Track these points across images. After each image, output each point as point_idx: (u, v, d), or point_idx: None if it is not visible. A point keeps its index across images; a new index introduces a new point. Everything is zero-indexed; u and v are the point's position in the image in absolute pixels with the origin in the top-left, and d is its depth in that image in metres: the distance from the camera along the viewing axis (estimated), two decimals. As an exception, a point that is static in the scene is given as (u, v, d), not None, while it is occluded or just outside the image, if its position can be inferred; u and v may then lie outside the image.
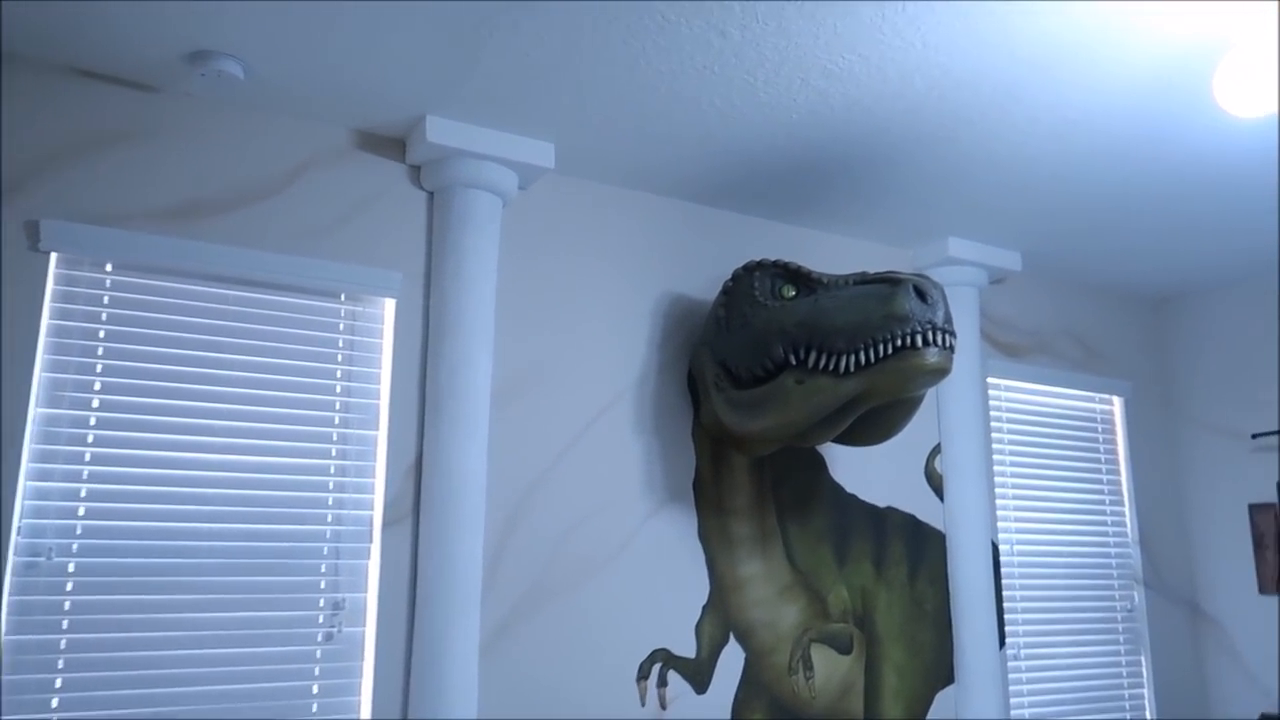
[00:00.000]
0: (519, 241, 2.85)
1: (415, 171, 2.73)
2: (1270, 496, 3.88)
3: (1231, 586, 3.97)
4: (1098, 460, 4.03)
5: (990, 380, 3.76)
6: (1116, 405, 4.16)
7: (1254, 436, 3.86)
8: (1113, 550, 3.96)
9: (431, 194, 2.74)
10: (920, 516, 3.42)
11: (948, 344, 2.42)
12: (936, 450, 3.51)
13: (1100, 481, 4.02)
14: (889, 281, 2.47)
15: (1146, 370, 4.27)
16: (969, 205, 3.22)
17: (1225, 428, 4.06)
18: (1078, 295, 4.14)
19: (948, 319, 2.43)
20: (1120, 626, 3.91)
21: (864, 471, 3.33)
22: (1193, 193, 3.11)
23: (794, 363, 2.55)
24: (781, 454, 3.16)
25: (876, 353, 2.41)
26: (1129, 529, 4.03)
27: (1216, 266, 3.86)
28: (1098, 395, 4.10)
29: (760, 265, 2.77)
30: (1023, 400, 3.87)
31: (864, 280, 2.56)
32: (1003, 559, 3.62)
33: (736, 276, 2.82)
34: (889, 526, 3.34)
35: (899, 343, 2.39)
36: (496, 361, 2.75)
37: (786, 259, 3.13)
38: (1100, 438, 4.07)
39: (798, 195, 3.12)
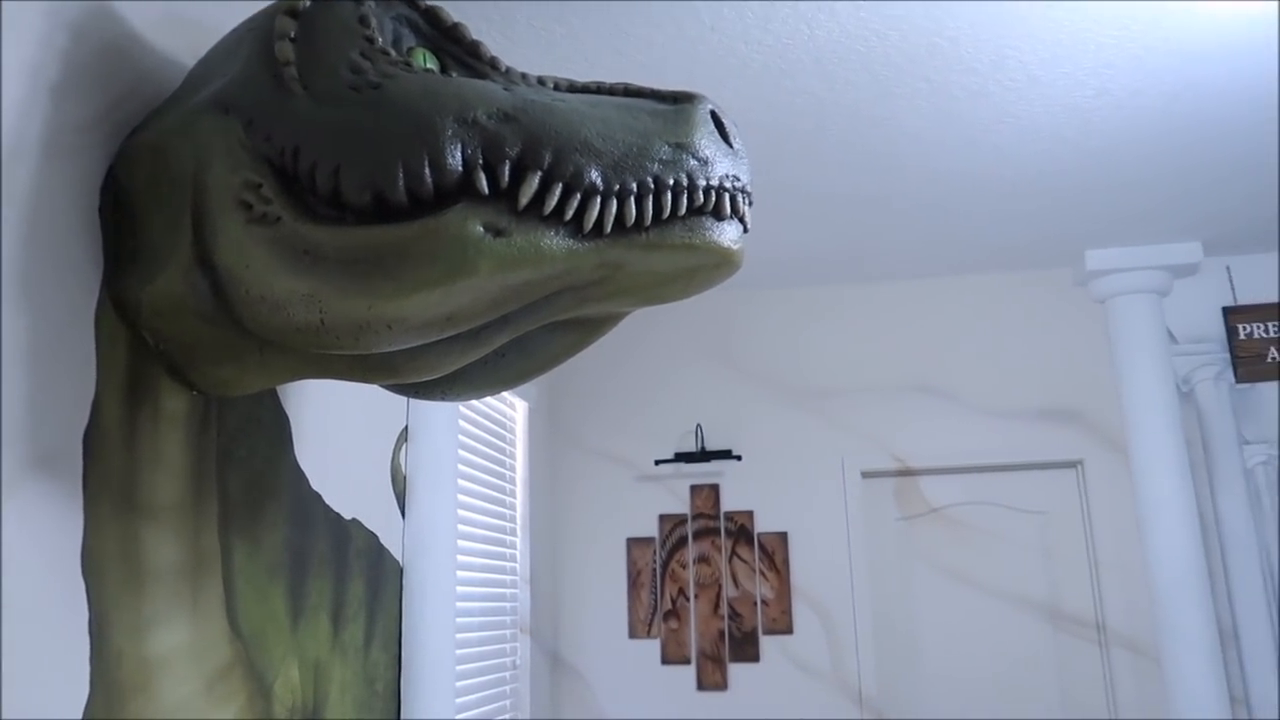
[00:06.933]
0: None
1: None
2: (651, 530, 3.54)
3: (601, 632, 3.49)
4: (504, 478, 3.20)
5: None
6: (520, 412, 3.40)
7: (657, 463, 3.49)
8: (508, 592, 3.14)
9: None
10: (383, 539, 2.12)
11: (748, 222, 1.37)
12: (404, 437, 2.27)
13: (504, 505, 3.18)
14: (672, 98, 1.32)
15: (547, 375, 3.64)
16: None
17: (610, 453, 3.63)
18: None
19: (751, 180, 1.39)
20: (508, 689, 3.07)
21: (329, 455, 1.91)
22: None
23: (485, 191, 1.18)
24: (238, 405, 1.59)
25: (657, 207, 1.23)
26: (519, 566, 3.26)
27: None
28: (507, 397, 3.29)
29: (381, -12, 1.31)
30: (464, 386, 2.84)
31: (604, 89, 1.35)
32: (438, 606, 2.49)
33: (321, -9, 1.29)
34: (352, 553, 1.97)
35: (694, 200, 1.26)
36: None
37: None
38: (507, 449, 3.26)
39: None
